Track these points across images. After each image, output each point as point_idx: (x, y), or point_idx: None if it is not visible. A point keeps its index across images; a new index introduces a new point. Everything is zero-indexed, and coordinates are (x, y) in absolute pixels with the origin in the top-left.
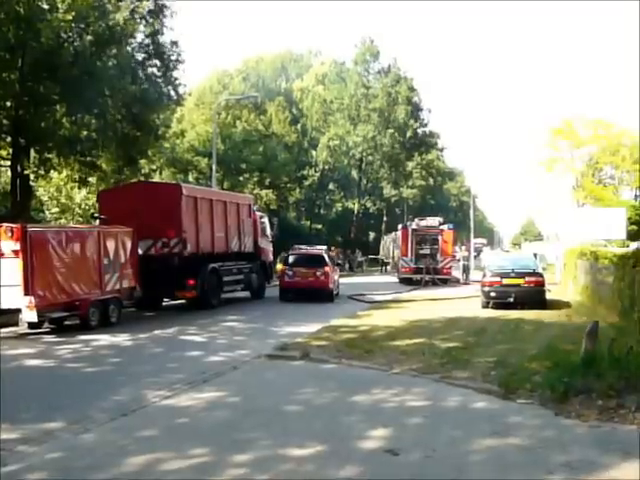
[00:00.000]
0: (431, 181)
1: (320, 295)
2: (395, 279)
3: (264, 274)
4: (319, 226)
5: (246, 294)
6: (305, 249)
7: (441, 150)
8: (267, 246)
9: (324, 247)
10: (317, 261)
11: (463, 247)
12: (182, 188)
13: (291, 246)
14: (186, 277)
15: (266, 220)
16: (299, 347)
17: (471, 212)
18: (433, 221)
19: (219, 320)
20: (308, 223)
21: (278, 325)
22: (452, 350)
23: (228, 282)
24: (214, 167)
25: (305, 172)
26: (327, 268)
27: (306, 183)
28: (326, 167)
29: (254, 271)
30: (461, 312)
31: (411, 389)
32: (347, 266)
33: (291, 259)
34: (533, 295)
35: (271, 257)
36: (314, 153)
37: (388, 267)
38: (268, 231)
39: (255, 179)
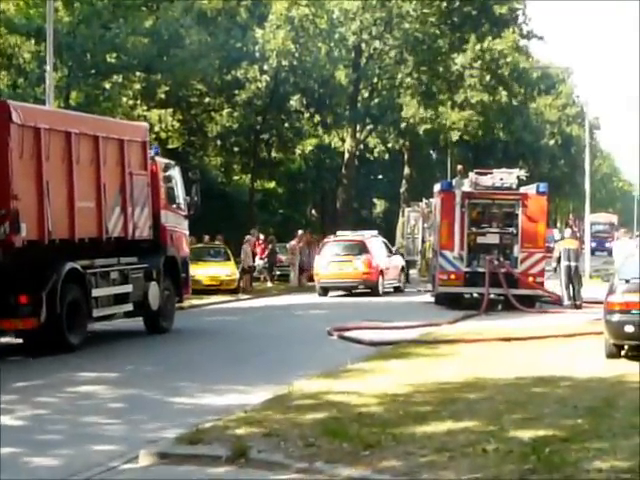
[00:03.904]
0: (502, 94)
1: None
2: (427, 296)
3: (173, 283)
4: (271, 185)
5: (135, 323)
6: (344, 236)
7: (525, 34)
8: (179, 226)
9: (372, 232)
10: (356, 249)
11: (568, 230)
12: (11, 109)
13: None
14: (17, 289)
15: (177, 174)
16: (226, 437)
17: (586, 160)
18: (506, 177)
19: (64, 380)
20: (247, 179)
21: (184, 390)
22: (543, 444)
23: (102, 299)
24: (50, 61)
25: (241, 73)
26: (368, 256)
27: (243, 96)
28: (285, 64)
29: (153, 277)
30: (562, 367)
31: None
32: None
33: (326, 249)
34: None
35: (187, 248)
36: (260, 34)
37: (413, 271)
38: (181, 197)
39: (137, 86)
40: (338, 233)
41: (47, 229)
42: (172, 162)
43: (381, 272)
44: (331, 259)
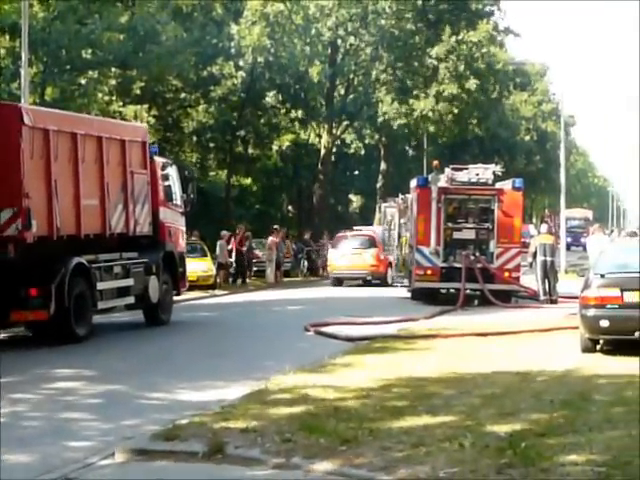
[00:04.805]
0: (472, 82)
1: (371, 280)
2: (404, 292)
3: (171, 276)
4: (247, 181)
5: (135, 315)
6: (353, 231)
7: (501, 30)
8: (176, 223)
9: (385, 227)
10: (367, 243)
11: (544, 226)
12: (22, 112)
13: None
14: (28, 283)
15: (174, 173)
16: (203, 432)
17: (561, 156)
18: (482, 172)
19: (41, 376)
20: (223, 175)
21: (161, 386)
22: (519, 438)
23: (106, 292)
24: (25, 57)
25: (217, 69)
26: (377, 249)
27: (219, 92)
28: (261, 60)
29: (152, 271)
30: (538, 362)
31: None
32: (304, 265)
33: (338, 243)
34: None
35: (183, 243)
36: (236, 30)
37: (389, 267)
38: (178, 194)
39: (112, 82)
40: (354, 228)
41: (56, 225)
42: (169, 161)
43: (390, 264)
44: (344, 252)
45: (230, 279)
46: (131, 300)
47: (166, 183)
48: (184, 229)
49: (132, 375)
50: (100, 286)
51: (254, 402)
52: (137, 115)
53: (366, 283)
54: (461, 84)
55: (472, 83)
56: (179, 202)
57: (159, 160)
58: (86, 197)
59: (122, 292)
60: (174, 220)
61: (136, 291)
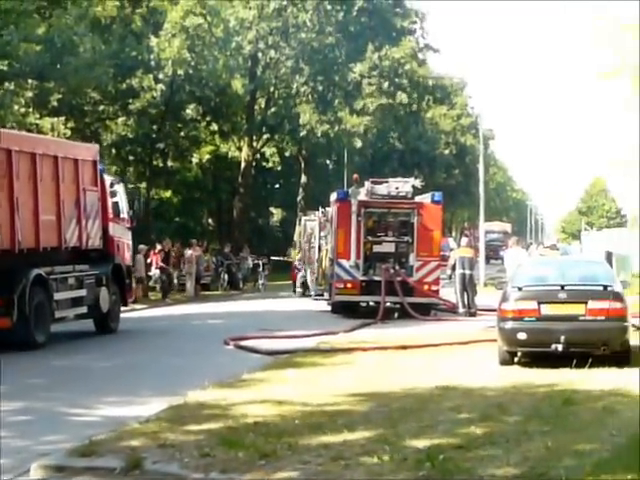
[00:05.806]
0: (399, 99)
1: None
2: (324, 305)
3: (119, 288)
4: (167, 194)
5: (85, 325)
6: None
7: (421, 47)
8: (123, 237)
9: None
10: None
11: (464, 239)
12: None
13: None
14: None
15: (121, 189)
16: (120, 449)
17: (480, 169)
18: (402, 186)
19: None
20: (142, 187)
21: (79, 401)
22: (437, 451)
23: (62, 302)
24: None
25: (136, 82)
26: None
27: (138, 105)
28: (180, 73)
29: (103, 283)
30: (456, 374)
31: None
32: (224, 278)
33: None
34: (604, 337)
35: (129, 257)
36: (155, 42)
37: (309, 280)
38: (125, 210)
39: (29, 93)
40: None
41: (17, 239)
42: (116, 179)
43: None
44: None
45: (161, 295)
46: (84, 310)
47: (114, 199)
48: (130, 243)
49: (50, 391)
50: (57, 296)
51: (173, 417)
52: (54, 127)
53: None
54: (388, 98)
55: (404, 97)
56: (126, 217)
57: (108, 178)
58: (44, 213)
59: (76, 302)
60: (121, 234)
61: (88, 301)
